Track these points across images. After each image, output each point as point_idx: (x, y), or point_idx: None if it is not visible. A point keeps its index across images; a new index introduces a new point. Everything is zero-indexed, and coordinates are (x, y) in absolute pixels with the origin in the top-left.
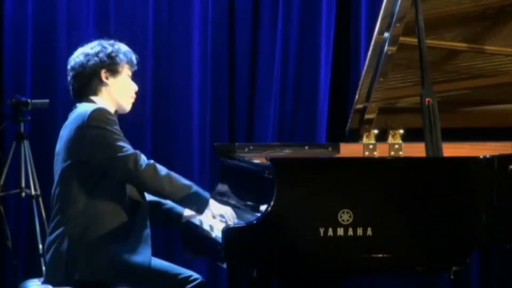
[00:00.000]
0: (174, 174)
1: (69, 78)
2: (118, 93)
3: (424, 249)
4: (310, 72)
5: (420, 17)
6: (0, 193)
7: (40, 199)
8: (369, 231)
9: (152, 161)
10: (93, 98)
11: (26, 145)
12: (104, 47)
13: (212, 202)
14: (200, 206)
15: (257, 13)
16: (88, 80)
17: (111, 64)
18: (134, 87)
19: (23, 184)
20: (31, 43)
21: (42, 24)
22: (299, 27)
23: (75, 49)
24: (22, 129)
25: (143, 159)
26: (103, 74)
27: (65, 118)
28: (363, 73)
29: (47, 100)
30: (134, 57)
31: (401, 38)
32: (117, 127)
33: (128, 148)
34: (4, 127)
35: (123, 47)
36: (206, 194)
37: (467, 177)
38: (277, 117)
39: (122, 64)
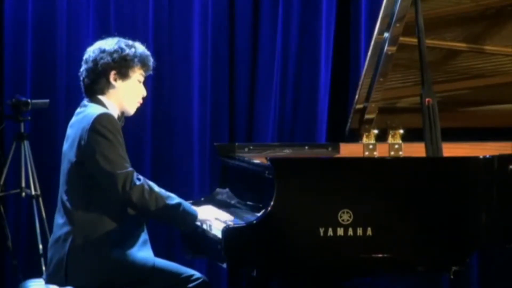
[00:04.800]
0: (162, 194)
1: (81, 69)
2: (125, 97)
3: (424, 249)
4: (310, 72)
5: (420, 17)
6: (0, 193)
7: (40, 199)
8: (369, 231)
9: (141, 182)
10: (100, 97)
11: (26, 145)
12: (121, 48)
13: (202, 214)
14: (186, 223)
15: (257, 13)
16: (97, 78)
17: (122, 67)
18: (142, 93)
19: (23, 184)
20: (31, 43)
21: (42, 24)
22: (299, 27)
23: (75, 49)
24: (22, 129)
25: (134, 180)
26: (112, 75)
27: (65, 118)
28: (363, 73)
29: (47, 100)
30: (150, 62)
31: (401, 38)
32: (120, 137)
33: (122, 167)
34: (4, 127)
35: (140, 50)
36: (193, 210)
37: (467, 177)
38: (277, 117)
39: (134, 69)
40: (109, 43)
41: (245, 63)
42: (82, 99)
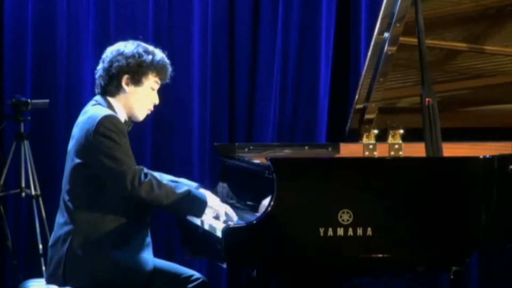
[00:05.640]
0: (171, 185)
1: (98, 66)
2: (134, 103)
3: (424, 249)
4: (310, 72)
5: (420, 17)
6: (0, 193)
7: (40, 199)
8: (369, 231)
9: (148, 178)
10: (110, 99)
11: (26, 145)
12: (139, 54)
13: (211, 200)
14: (198, 210)
15: (257, 13)
16: (109, 80)
17: (135, 73)
18: (154, 101)
19: (23, 184)
20: (31, 43)
21: (42, 24)
22: (299, 27)
23: (75, 49)
24: (22, 129)
25: (141, 176)
26: (124, 79)
27: (65, 118)
28: (363, 73)
29: (47, 100)
30: (167, 71)
31: (401, 38)
32: (125, 138)
33: (129, 164)
34: (4, 127)
35: (158, 58)
36: (203, 196)
37: (467, 177)
38: (277, 117)
39: (148, 76)
40: (128, 47)
41: (245, 63)
42: (82, 99)
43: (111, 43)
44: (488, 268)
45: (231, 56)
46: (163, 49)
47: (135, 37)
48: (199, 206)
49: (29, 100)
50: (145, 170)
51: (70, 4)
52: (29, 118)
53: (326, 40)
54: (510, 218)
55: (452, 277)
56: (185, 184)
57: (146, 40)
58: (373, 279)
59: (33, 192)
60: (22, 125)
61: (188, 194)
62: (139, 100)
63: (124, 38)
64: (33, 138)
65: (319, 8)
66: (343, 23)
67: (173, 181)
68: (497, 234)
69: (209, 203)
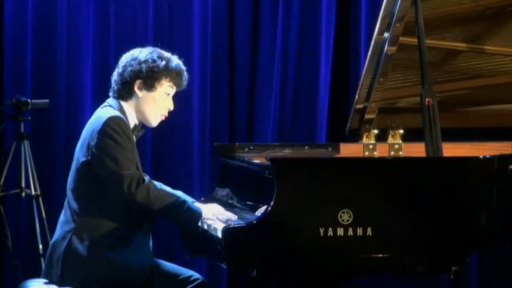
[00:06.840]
0: (168, 193)
1: (114, 71)
2: (147, 108)
3: (424, 249)
4: (310, 72)
5: (420, 17)
6: (0, 193)
7: (40, 199)
8: (369, 231)
9: (145, 184)
10: (122, 102)
11: (26, 145)
12: (152, 59)
13: (205, 211)
14: (192, 222)
15: (257, 13)
16: (123, 84)
17: (147, 78)
18: (167, 106)
19: (23, 184)
20: (31, 43)
21: (42, 24)
22: (299, 27)
23: (75, 49)
24: (22, 129)
25: (139, 181)
26: (136, 84)
27: (65, 118)
28: (363, 73)
29: (47, 100)
30: (182, 77)
31: (401, 38)
32: (129, 142)
33: (128, 168)
34: (4, 127)
35: (173, 64)
36: (198, 208)
37: (467, 177)
38: (277, 117)
39: (161, 82)
40: (143, 52)
41: (245, 63)
42: (82, 99)
43: (111, 43)
44: (488, 268)
45: (231, 56)
46: (163, 49)
47: (135, 37)
48: (193, 217)
49: (29, 100)
50: (147, 177)
51: (70, 4)
52: (29, 118)
53: (326, 40)
54: (510, 218)
55: (452, 277)
56: (182, 196)
57: (146, 40)
58: (373, 279)
59: (33, 192)
60: (22, 125)
61: (184, 204)
62: (151, 105)
63: (124, 38)
64: (33, 138)
65: (319, 8)
66: (343, 23)
67: (170, 192)
68: (497, 234)
69: (203, 215)
